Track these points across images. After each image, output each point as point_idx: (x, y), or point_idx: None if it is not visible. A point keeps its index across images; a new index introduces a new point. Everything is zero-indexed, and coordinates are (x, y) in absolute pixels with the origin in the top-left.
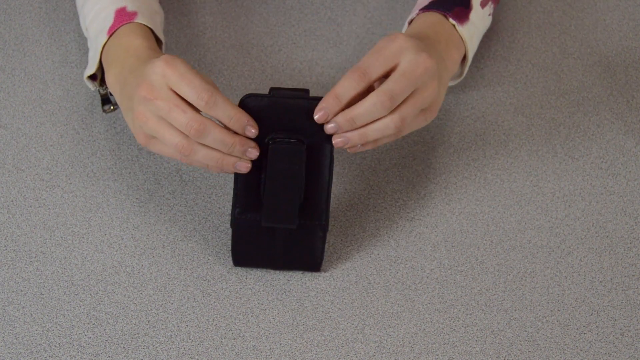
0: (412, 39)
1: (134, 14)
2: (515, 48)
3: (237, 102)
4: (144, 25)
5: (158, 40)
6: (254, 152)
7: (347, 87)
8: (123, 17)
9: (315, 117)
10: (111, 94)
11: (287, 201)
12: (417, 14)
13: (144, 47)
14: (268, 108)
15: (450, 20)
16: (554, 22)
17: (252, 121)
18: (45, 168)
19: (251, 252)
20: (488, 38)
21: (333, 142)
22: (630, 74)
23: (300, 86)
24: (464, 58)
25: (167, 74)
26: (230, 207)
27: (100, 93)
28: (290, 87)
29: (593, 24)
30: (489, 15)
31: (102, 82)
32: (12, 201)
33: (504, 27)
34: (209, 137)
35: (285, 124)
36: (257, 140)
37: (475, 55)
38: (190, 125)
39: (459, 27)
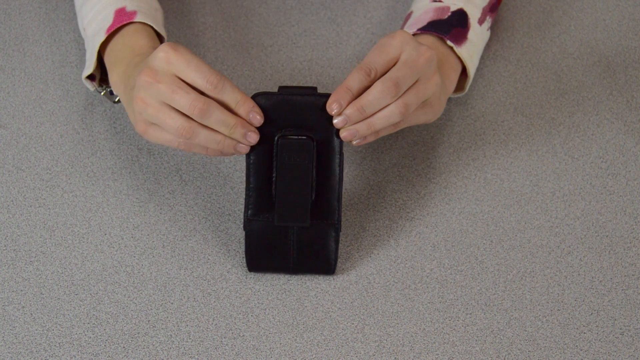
0: (412, 36)
1: (133, 13)
2: (515, 48)
3: None
4: (146, 24)
5: (160, 36)
6: (253, 137)
7: (356, 80)
8: (122, 16)
9: (329, 109)
10: (112, 93)
11: (299, 199)
12: (415, 34)
13: (149, 46)
14: (278, 105)
15: (448, 42)
16: (554, 22)
17: (258, 108)
18: (45, 168)
19: (265, 256)
20: (488, 38)
21: (341, 135)
22: (630, 74)
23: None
24: (465, 74)
25: (172, 60)
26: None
27: (99, 92)
28: (298, 85)
29: (593, 24)
30: (487, 30)
31: (102, 82)
32: (12, 201)
33: (504, 27)
34: (212, 117)
35: (295, 121)
36: (267, 137)
37: None
38: (194, 105)
39: (457, 49)
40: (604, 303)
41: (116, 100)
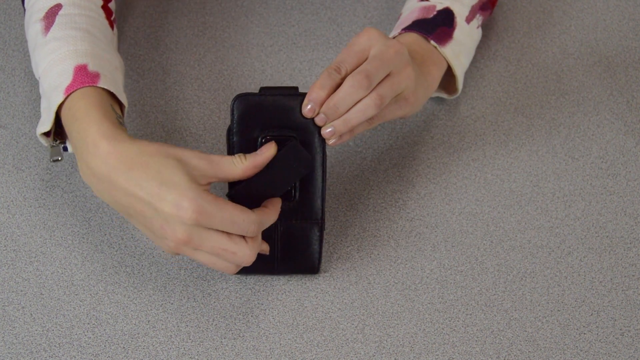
0: (381, 32)
1: (96, 76)
2: (515, 48)
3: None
4: (106, 90)
5: (119, 102)
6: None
7: (326, 77)
8: (84, 77)
9: (304, 111)
10: (66, 149)
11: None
12: (400, 33)
13: (105, 119)
14: (258, 106)
15: (432, 42)
16: (554, 22)
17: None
18: (45, 168)
19: None
20: (488, 38)
21: (322, 133)
22: (630, 74)
23: (301, 86)
24: (454, 75)
25: (204, 222)
26: None
27: (52, 146)
28: (281, 85)
29: (593, 24)
30: (478, 27)
31: (56, 136)
32: (12, 201)
33: (504, 27)
34: (265, 226)
35: (277, 122)
36: (250, 140)
37: (475, 55)
38: (250, 258)
39: (440, 48)
40: (604, 303)
41: (59, 158)
